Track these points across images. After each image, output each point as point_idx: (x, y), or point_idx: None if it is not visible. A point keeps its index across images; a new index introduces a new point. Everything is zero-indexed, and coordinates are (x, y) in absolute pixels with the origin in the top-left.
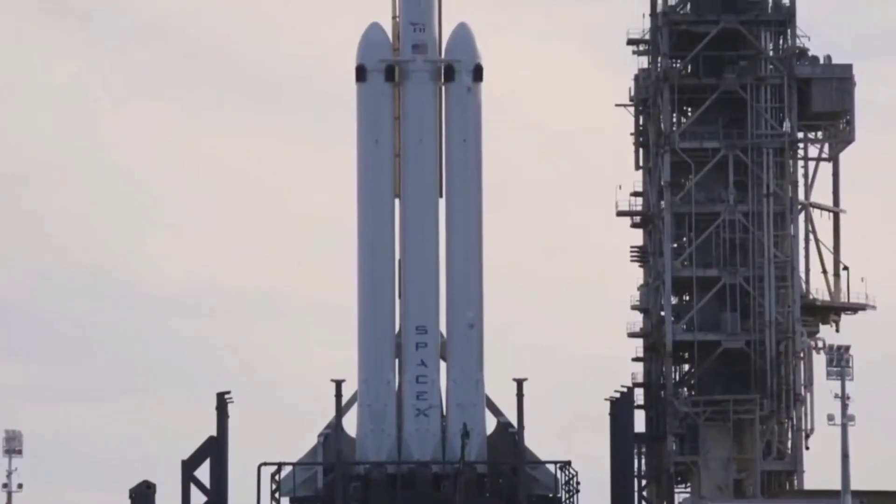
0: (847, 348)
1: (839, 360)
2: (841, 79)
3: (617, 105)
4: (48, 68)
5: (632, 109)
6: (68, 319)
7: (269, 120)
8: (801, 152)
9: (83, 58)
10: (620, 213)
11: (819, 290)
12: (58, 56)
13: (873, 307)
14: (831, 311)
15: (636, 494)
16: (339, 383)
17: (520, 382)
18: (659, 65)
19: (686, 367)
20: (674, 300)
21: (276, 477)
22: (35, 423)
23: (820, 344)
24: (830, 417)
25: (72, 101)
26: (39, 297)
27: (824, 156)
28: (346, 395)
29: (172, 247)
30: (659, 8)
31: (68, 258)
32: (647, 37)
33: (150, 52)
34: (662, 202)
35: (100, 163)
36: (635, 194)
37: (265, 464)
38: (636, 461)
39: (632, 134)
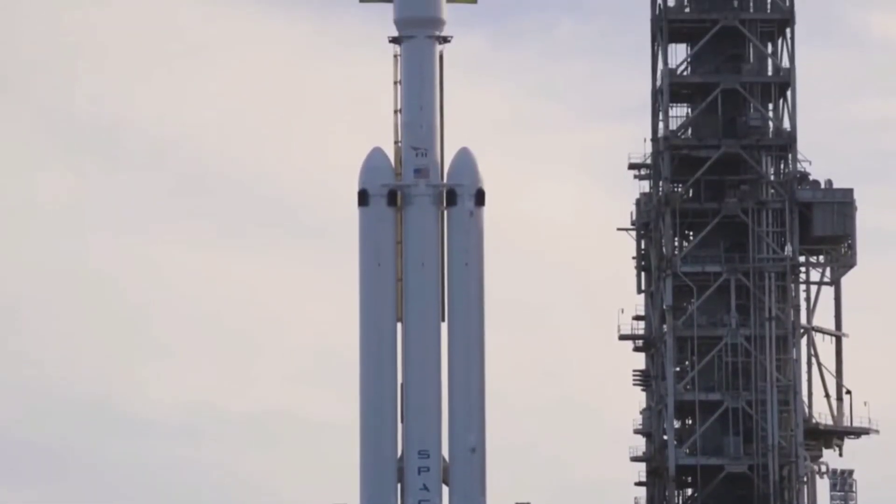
0: (850, 472)
1: (843, 485)
2: (842, 203)
3: (618, 229)
4: (41, 192)
5: (633, 233)
6: (64, 446)
7: (270, 243)
8: (802, 276)
9: (77, 181)
10: (622, 337)
11: (822, 414)
12: (50, 179)
13: (876, 431)
14: (834, 435)
15: None
16: None
17: None
18: (660, 189)
19: (689, 491)
20: (676, 424)
21: None
22: None
23: (823, 468)
24: None
25: (65, 226)
26: (35, 423)
27: (826, 280)
28: None
29: (171, 371)
30: (660, 133)
31: (63, 384)
32: (649, 161)
33: (146, 175)
34: (664, 326)
35: (95, 287)
36: (637, 318)
37: None
38: None
39: (633, 258)
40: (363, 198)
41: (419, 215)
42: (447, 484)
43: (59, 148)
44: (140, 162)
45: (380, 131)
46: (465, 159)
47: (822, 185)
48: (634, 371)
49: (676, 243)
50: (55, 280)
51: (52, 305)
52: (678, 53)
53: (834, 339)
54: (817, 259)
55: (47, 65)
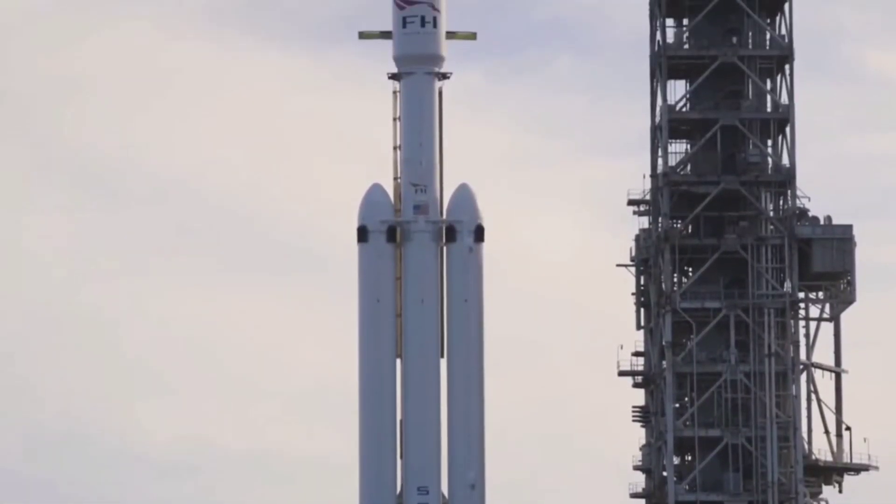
0: None
1: None
2: (841, 239)
3: (618, 265)
4: (37, 232)
5: (633, 269)
6: (64, 484)
7: (269, 279)
8: (802, 312)
9: (74, 221)
10: (622, 373)
11: (821, 450)
12: (47, 219)
13: (876, 468)
14: (834, 471)
15: None
16: None
17: None
18: (660, 225)
19: None
20: (676, 460)
21: None
22: None
23: None
24: None
25: (63, 266)
26: (33, 461)
27: (825, 316)
28: None
29: (170, 408)
30: (659, 169)
31: (63, 422)
32: (648, 197)
33: (144, 214)
34: (664, 362)
35: (93, 325)
36: (636, 354)
37: None
38: None
39: (633, 294)
40: (362, 234)
41: (419, 251)
42: None
43: (55, 188)
44: (138, 200)
45: (379, 167)
46: (464, 195)
47: (822, 222)
48: (634, 407)
49: (676, 279)
50: (54, 319)
51: (51, 345)
52: (677, 90)
53: (833, 375)
54: (817, 295)
55: (42, 104)
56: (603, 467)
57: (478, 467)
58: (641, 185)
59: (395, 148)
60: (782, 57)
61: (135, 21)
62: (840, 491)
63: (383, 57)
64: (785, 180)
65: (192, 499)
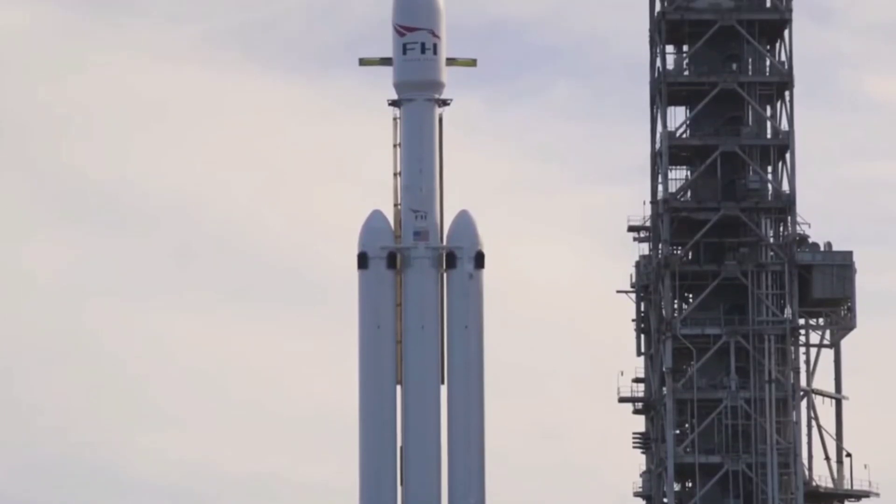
0: None
1: None
2: (842, 266)
3: (618, 291)
4: (36, 261)
5: (633, 296)
6: None
7: (269, 306)
8: (802, 339)
9: (73, 249)
10: (622, 400)
11: (822, 477)
12: (46, 248)
13: (877, 494)
14: (835, 498)
15: None
16: None
17: None
18: (660, 251)
19: None
20: (676, 487)
21: None
22: None
23: None
24: None
25: (62, 294)
26: (32, 486)
27: (826, 342)
28: None
29: (170, 434)
30: (659, 195)
31: (64, 449)
32: (648, 224)
33: (143, 242)
34: (664, 388)
35: (94, 354)
36: (637, 380)
37: None
38: None
39: (633, 320)
40: (363, 260)
41: (419, 278)
42: None
43: (54, 216)
44: (138, 228)
45: (379, 194)
46: (464, 222)
47: (822, 248)
48: (634, 434)
49: (676, 306)
50: (54, 345)
51: (51, 370)
52: (677, 116)
53: (834, 401)
54: (817, 321)
55: (42, 131)
56: (603, 494)
57: (478, 494)
58: (641, 212)
59: (395, 174)
60: (782, 83)
61: (134, 48)
62: None
63: (384, 83)
64: (785, 206)
65: None
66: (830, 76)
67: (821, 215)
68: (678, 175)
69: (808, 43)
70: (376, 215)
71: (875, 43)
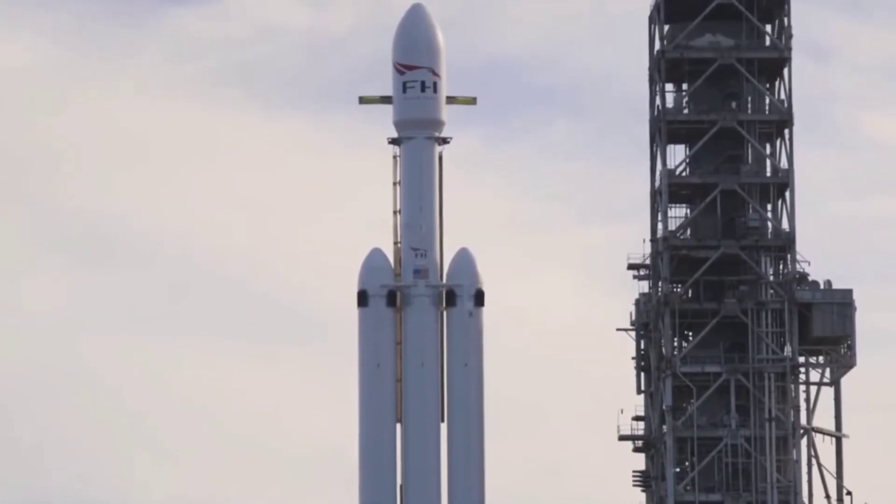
0: None
1: None
2: (841, 304)
3: (618, 329)
4: (32, 297)
5: (633, 334)
6: None
7: (269, 344)
8: (802, 377)
9: (70, 284)
10: (622, 438)
11: None
12: (40, 283)
13: None
14: None
15: None
16: None
17: None
18: (660, 289)
19: None
20: None
21: None
22: None
23: None
24: None
25: (59, 330)
26: None
27: (826, 380)
28: None
29: (168, 470)
30: (659, 233)
31: (61, 483)
32: (648, 261)
33: (141, 278)
34: (664, 426)
35: (91, 390)
36: (637, 418)
37: None
38: None
39: (633, 358)
40: (362, 298)
41: (419, 316)
42: None
43: (51, 252)
44: (137, 265)
45: (379, 232)
46: (464, 260)
47: (822, 286)
48: (634, 472)
49: (676, 343)
50: (53, 381)
51: (50, 406)
52: (677, 154)
53: (834, 439)
54: (817, 359)
55: (36, 169)
56: None
57: None
58: (641, 250)
59: (395, 212)
60: (782, 121)
61: (133, 84)
62: None
63: (384, 122)
64: (785, 244)
65: None
66: (829, 114)
67: (821, 253)
68: (678, 213)
69: (807, 81)
70: (376, 253)
71: (873, 81)
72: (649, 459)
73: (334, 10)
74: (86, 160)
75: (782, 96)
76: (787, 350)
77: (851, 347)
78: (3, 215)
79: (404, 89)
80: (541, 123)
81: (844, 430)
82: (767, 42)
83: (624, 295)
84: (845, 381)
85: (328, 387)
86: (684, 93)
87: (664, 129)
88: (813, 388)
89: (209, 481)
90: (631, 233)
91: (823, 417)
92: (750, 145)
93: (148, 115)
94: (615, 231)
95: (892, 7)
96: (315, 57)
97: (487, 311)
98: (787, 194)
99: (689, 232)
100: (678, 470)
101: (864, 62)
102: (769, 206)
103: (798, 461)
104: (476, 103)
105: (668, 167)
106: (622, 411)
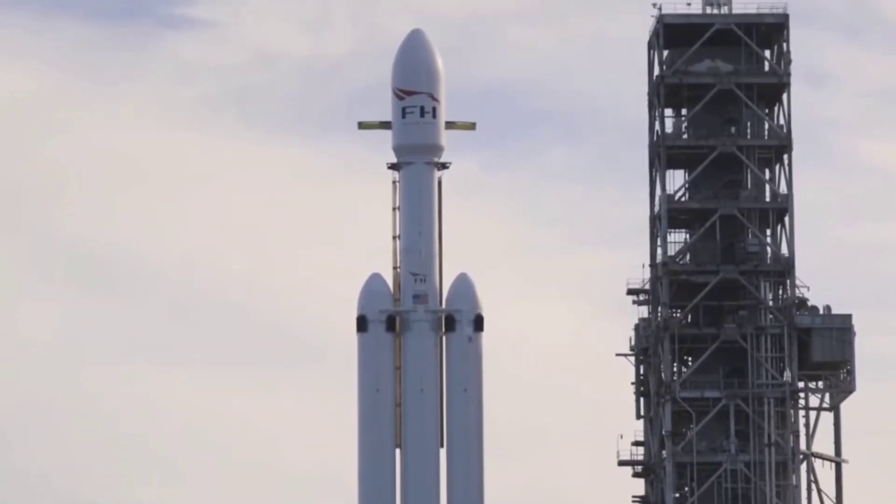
0: None
1: None
2: (841, 329)
3: (617, 354)
4: (31, 323)
5: (632, 359)
6: None
7: (268, 369)
8: (801, 402)
9: (66, 312)
10: (622, 463)
11: None
12: (39, 310)
13: None
14: None
15: None
16: None
17: None
18: (659, 314)
19: None
20: None
21: None
22: None
23: None
24: None
25: (58, 357)
26: None
27: (825, 405)
28: None
29: (169, 496)
30: (658, 258)
31: None
32: (647, 287)
33: (141, 306)
34: (664, 452)
35: (91, 417)
36: (636, 444)
37: None
38: None
39: (632, 383)
40: (362, 324)
41: (418, 341)
42: None
43: (49, 279)
44: (134, 291)
45: (378, 257)
46: (463, 285)
47: (821, 311)
48: (634, 497)
49: (675, 369)
50: (51, 409)
51: (49, 434)
52: (676, 179)
53: (834, 465)
54: (816, 385)
55: (34, 196)
56: None
57: None
58: (641, 275)
59: (394, 237)
60: (781, 147)
61: (130, 111)
62: None
63: (383, 147)
64: (784, 270)
65: None
66: (829, 139)
67: (820, 278)
68: (677, 238)
69: (805, 106)
70: (375, 278)
71: (871, 107)
72: (649, 485)
73: (332, 36)
74: (84, 186)
75: (781, 121)
76: (787, 375)
77: (851, 372)
78: (2, 241)
79: (403, 114)
80: (540, 148)
81: (844, 455)
82: (766, 67)
83: (623, 320)
84: (845, 406)
85: (328, 412)
86: (683, 118)
87: (663, 155)
88: (812, 414)
89: (209, 502)
90: (630, 258)
91: (823, 442)
92: (749, 170)
93: (147, 140)
94: (615, 256)
95: (888, 32)
96: (313, 82)
97: (487, 336)
98: (787, 219)
99: (688, 257)
100: (678, 495)
101: (863, 87)
102: (768, 232)
103: (798, 486)
104: (475, 128)
105: (668, 192)
106: (622, 436)
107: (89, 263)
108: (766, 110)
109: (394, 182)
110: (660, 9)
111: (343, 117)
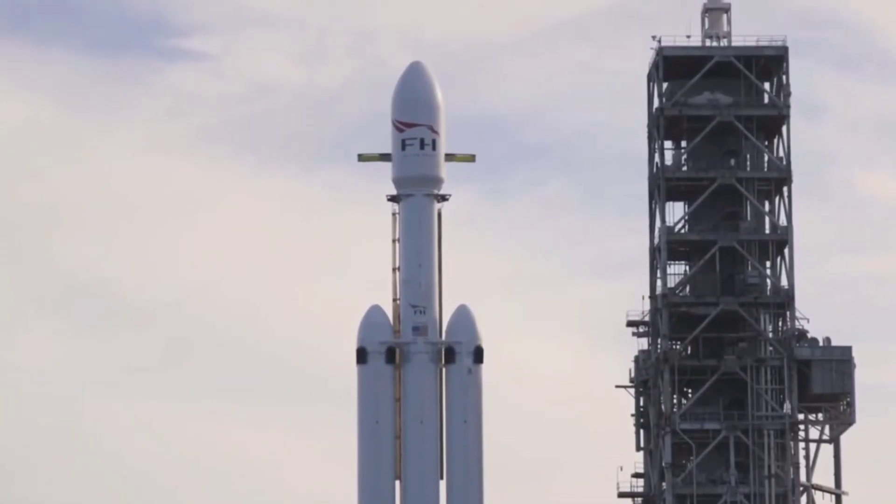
0: None
1: None
2: (841, 361)
3: (617, 386)
4: (30, 355)
5: (632, 391)
6: None
7: (268, 401)
8: (801, 434)
9: (66, 345)
10: (622, 495)
11: None
12: (39, 343)
13: None
14: None
15: None
16: None
17: None
18: (659, 346)
19: None
20: None
21: None
22: None
23: None
24: None
25: (54, 389)
26: None
27: (825, 437)
28: None
29: None
30: (658, 290)
31: None
32: (647, 318)
33: (140, 338)
34: (664, 484)
35: (88, 448)
36: (636, 475)
37: None
38: None
39: (632, 415)
40: (362, 355)
41: (418, 373)
42: None
43: (48, 312)
44: (133, 324)
45: (378, 289)
46: (463, 317)
47: (821, 343)
48: None
49: (675, 400)
50: (51, 443)
51: (50, 468)
52: (676, 211)
53: (834, 497)
54: (816, 417)
55: (32, 228)
56: None
57: None
58: (640, 306)
59: (394, 269)
60: (780, 179)
61: (127, 142)
62: None
63: (383, 179)
64: (784, 301)
65: None
66: (828, 171)
67: (820, 310)
68: (677, 270)
69: (804, 138)
70: (375, 310)
71: (870, 139)
72: None
73: (329, 68)
74: (81, 218)
75: (781, 154)
76: (787, 407)
77: (851, 404)
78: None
79: (403, 146)
80: (540, 180)
81: (844, 487)
82: (766, 100)
83: (623, 352)
84: (845, 438)
85: (327, 443)
86: (683, 150)
87: (663, 186)
88: (812, 445)
89: None
90: (630, 290)
91: (823, 474)
92: (749, 202)
93: (144, 172)
94: (614, 288)
95: (885, 64)
96: (313, 114)
97: (487, 368)
98: (787, 251)
99: (688, 289)
100: None
101: (861, 120)
102: (768, 263)
103: None
104: (475, 160)
105: (667, 224)
106: (621, 468)
107: (87, 295)
108: (766, 142)
109: (394, 214)
110: (659, 41)
111: (341, 149)
